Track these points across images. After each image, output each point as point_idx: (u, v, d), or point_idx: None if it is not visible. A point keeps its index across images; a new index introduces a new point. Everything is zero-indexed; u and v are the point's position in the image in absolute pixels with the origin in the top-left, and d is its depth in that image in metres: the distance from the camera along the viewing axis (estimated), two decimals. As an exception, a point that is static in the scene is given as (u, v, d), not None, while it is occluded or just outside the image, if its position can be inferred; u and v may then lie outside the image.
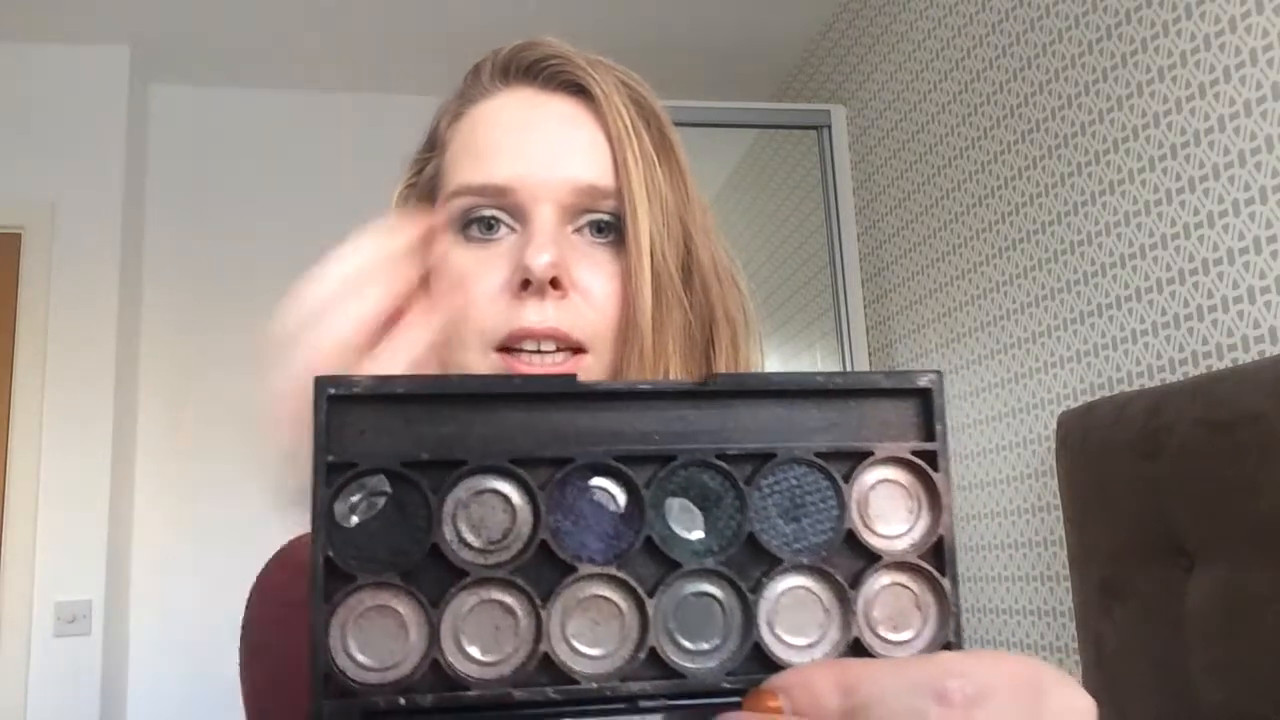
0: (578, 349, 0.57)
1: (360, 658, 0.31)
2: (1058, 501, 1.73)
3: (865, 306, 2.65)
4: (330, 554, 0.31)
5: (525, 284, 0.56)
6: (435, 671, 0.31)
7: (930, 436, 0.35)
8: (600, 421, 0.33)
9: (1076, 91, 1.80)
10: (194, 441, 2.88)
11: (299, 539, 0.64)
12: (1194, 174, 1.52)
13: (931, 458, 0.35)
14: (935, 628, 0.34)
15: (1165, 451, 1.36)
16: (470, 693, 0.31)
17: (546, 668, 0.32)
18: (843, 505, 0.34)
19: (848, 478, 0.34)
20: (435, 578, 0.32)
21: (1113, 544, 1.49)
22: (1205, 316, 1.50)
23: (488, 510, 0.32)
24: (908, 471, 0.35)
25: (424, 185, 0.66)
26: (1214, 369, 1.46)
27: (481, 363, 0.57)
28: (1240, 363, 1.43)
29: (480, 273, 0.58)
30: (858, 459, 0.35)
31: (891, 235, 2.52)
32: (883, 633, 0.34)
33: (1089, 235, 1.76)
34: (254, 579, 0.64)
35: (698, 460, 0.34)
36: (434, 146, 0.66)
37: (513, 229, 0.59)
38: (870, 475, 0.35)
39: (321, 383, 0.32)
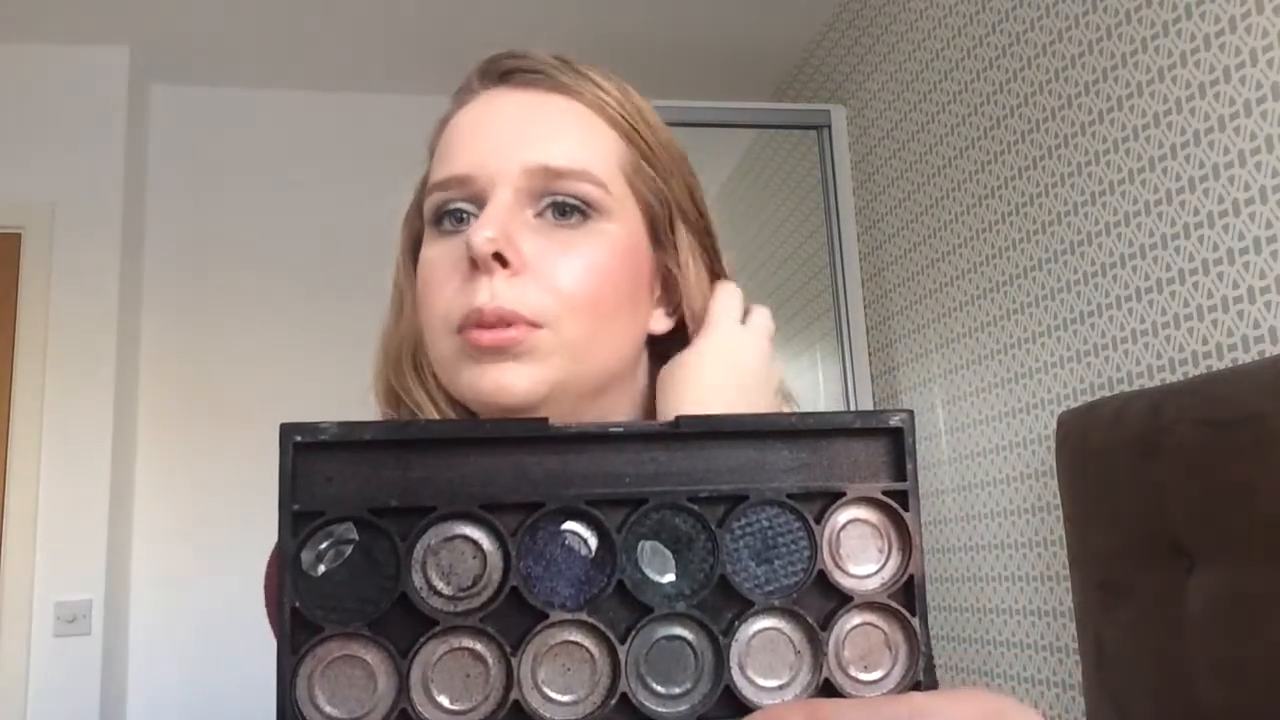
0: (528, 324, 0.57)
1: (327, 708, 0.31)
2: (1058, 501, 1.73)
3: (865, 306, 2.65)
4: (297, 604, 0.31)
5: (473, 263, 0.56)
6: None
7: (901, 476, 0.35)
8: (570, 464, 0.33)
9: (1076, 91, 1.80)
10: (194, 442, 2.88)
11: None
12: (1194, 174, 1.52)
13: (902, 497, 0.35)
14: (905, 666, 0.34)
15: (1165, 451, 1.36)
16: None
17: (517, 716, 0.32)
18: (814, 546, 0.34)
19: (819, 518, 0.35)
20: (404, 626, 0.31)
21: (1113, 544, 1.49)
22: (1205, 316, 1.50)
23: (457, 557, 0.32)
24: (878, 511, 0.35)
25: (417, 195, 0.67)
26: (1214, 369, 1.46)
27: (447, 345, 0.58)
28: (1240, 363, 1.43)
29: (443, 264, 0.59)
30: (829, 499, 0.35)
31: (891, 235, 2.52)
32: (853, 672, 0.34)
33: (1089, 235, 1.76)
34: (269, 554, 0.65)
35: (669, 503, 0.33)
36: (430, 159, 0.68)
37: (475, 216, 0.60)
38: (841, 515, 0.35)
39: (287, 430, 0.31)
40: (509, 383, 0.56)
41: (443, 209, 0.60)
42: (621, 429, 0.34)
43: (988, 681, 2.10)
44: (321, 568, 0.31)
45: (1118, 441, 1.46)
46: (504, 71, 0.63)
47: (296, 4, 2.71)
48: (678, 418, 0.34)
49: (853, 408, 2.57)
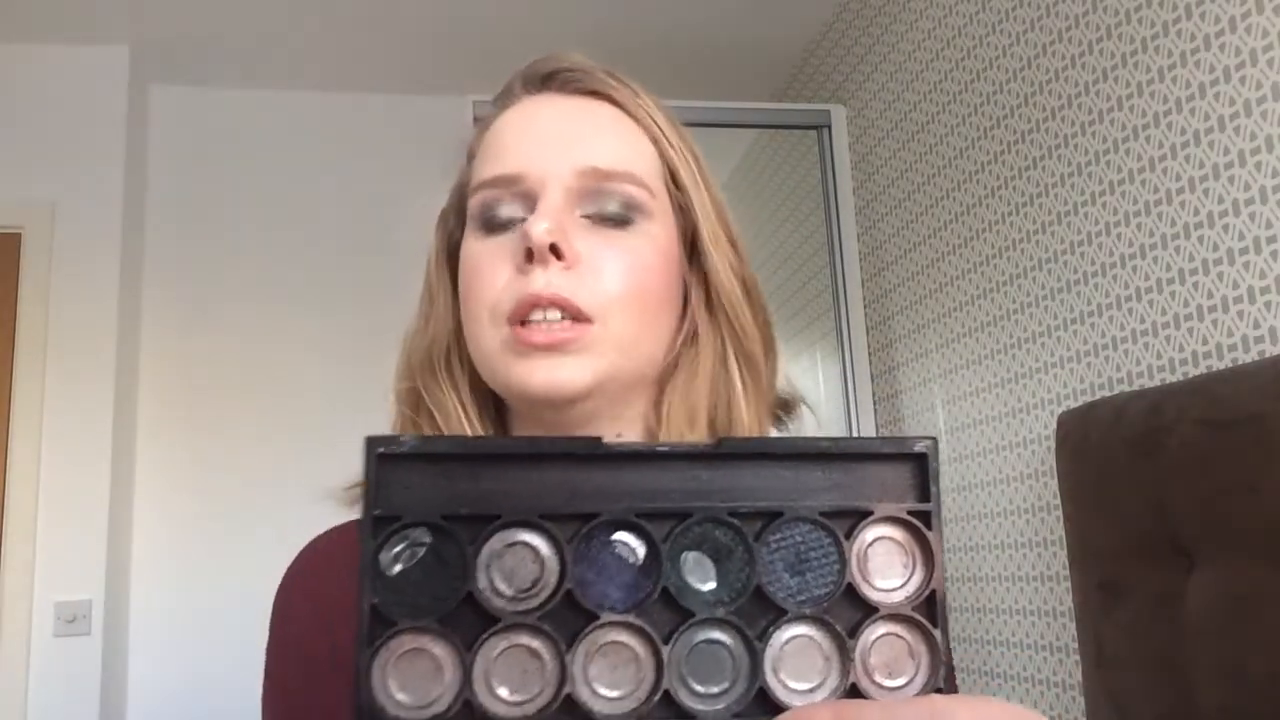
0: (583, 318, 0.58)
1: (399, 696, 0.33)
2: (1058, 501, 1.73)
3: (865, 306, 2.65)
4: (375, 601, 0.34)
5: (529, 255, 0.58)
6: (467, 710, 0.34)
7: (925, 497, 0.38)
8: (621, 481, 0.36)
9: (1076, 91, 1.80)
10: (194, 442, 2.88)
11: (327, 534, 0.66)
12: (1194, 174, 1.52)
13: (926, 517, 0.38)
14: (927, 675, 0.37)
15: (1165, 451, 1.36)
16: None
17: (569, 708, 0.34)
18: (843, 560, 0.37)
19: (849, 535, 0.38)
20: (469, 623, 0.34)
21: (1113, 544, 1.49)
22: (1205, 316, 1.50)
23: (518, 561, 0.35)
24: (904, 530, 0.38)
25: (456, 194, 0.68)
26: (1214, 369, 1.46)
27: (494, 336, 0.59)
28: (1240, 363, 1.43)
29: (493, 258, 0.61)
30: (858, 518, 0.38)
31: (891, 235, 2.52)
32: (878, 679, 0.37)
33: (1089, 235, 1.76)
34: (283, 572, 0.65)
35: (711, 517, 0.37)
36: (469, 160, 0.69)
37: (524, 218, 0.61)
38: (869, 533, 0.38)
39: (372, 443, 0.35)
40: (560, 379, 0.58)
41: (490, 207, 0.62)
42: (668, 448, 0.37)
43: (988, 681, 2.10)
44: (397, 568, 0.34)
45: (1118, 441, 1.46)
46: (546, 75, 0.65)
47: (296, 4, 2.71)
48: (720, 439, 0.37)
49: (852, 407, 2.57)
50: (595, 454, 0.36)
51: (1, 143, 2.74)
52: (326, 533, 0.66)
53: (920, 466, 0.38)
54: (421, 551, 0.35)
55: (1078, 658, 1.63)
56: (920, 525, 0.38)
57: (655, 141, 0.64)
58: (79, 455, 2.61)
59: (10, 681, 2.49)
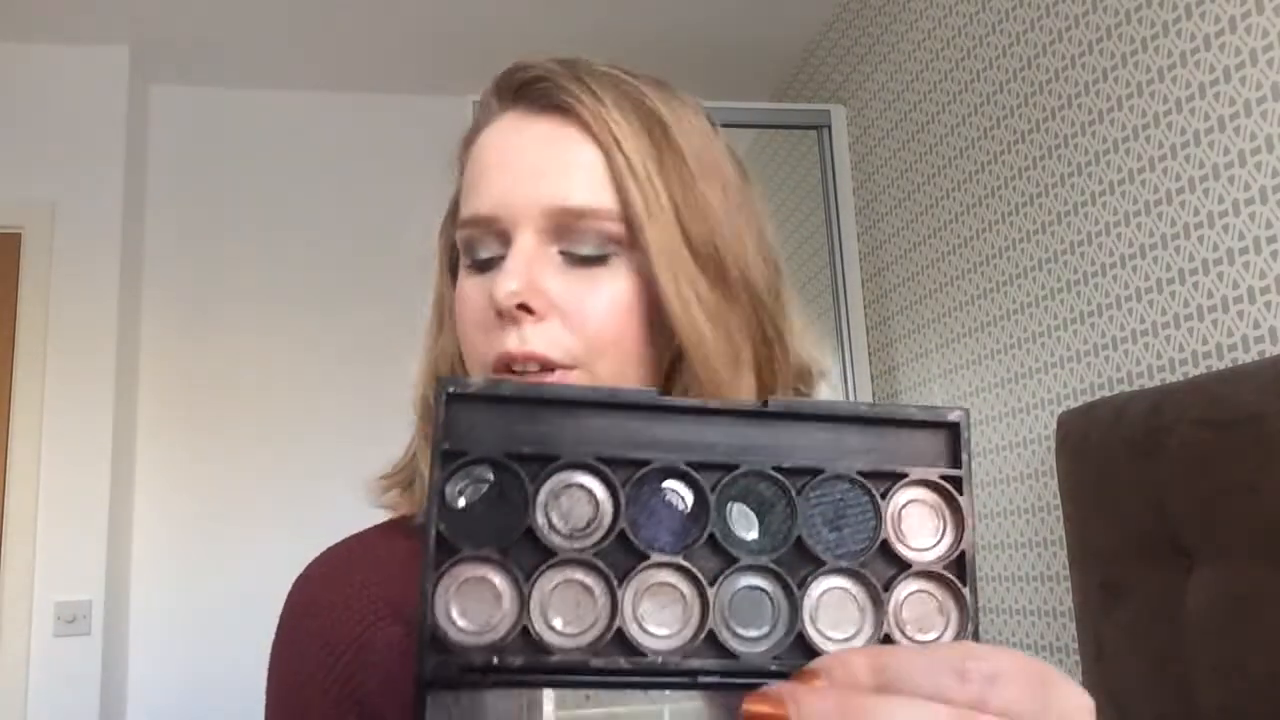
0: (563, 367, 0.58)
1: (460, 622, 0.35)
2: (1058, 501, 1.73)
3: (865, 306, 2.65)
4: (441, 529, 0.36)
5: (499, 313, 0.58)
6: (524, 638, 0.36)
7: (957, 464, 0.40)
8: (673, 432, 0.39)
9: (1076, 91, 1.80)
10: (194, 442, 2.88)
11: (338, 545, 0.66)
12: (1194, 174, 1.52)
13: (957, 482, 0.40)
14: (955, 630, 0.39)
15: (1165, 451, 1.36)
16: (554, 658, 0.36)
17: (619, 642, 0.36)
18: (879, 518, 0.39)
19: (884, 495, 0.40)
20: (527, 556, 0.36)
21: (1113, 544, 1.49)
22: (1205, 316, 1.50)
23: (575, 501, 0.37)
24: (936, 493, 0.40)
25: (451, 213, 0.68)
26: (1214, 369, 1.46)
27: None
28: (1240, 363, 1.43)
29: (476, 300, 0.61)
30: (894, 479, 0.40)
31: (891, 235, 2.53)
32: (910, 633, 0.39)
33: (1089, 235, 1.76)
34: (295, 579, 0.66)
35: (756, 471, 0.39)
36: (458, 173, 0.69)
37: (502, 256, 0.60)
38: (904, 495, 0.40)
39: (442, 382, 0.37)
40: None
41: (472, 247, 0.62)
42: (718, 404, 0.39)
43: (988, 681, 2.10)
44: (461, 501, 0.36)
45: (1118, 441, 1.46)
46: (517, 87, 0.63)
47: (296, 4, 2.71)
48: (767, 399, 0.40)
49: (853, 408, 2.57)
50: (650, 404, 0.38)
51: (1, 143, 2.74)
52: (344, 540, 0.66)
53: (953, 435, 0.40)
54: (485, 487, 0.36)
55: (1078, 658, 1.63)
56: (952, 489, 0.40)
57: (612, 170, 0.59)
58: (79, 455, 2.61)
59: (10, 681, 2.49)
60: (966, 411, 0.40)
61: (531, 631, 0.36)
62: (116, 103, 2.82)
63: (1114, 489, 1.47)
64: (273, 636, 0.63)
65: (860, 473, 0.39)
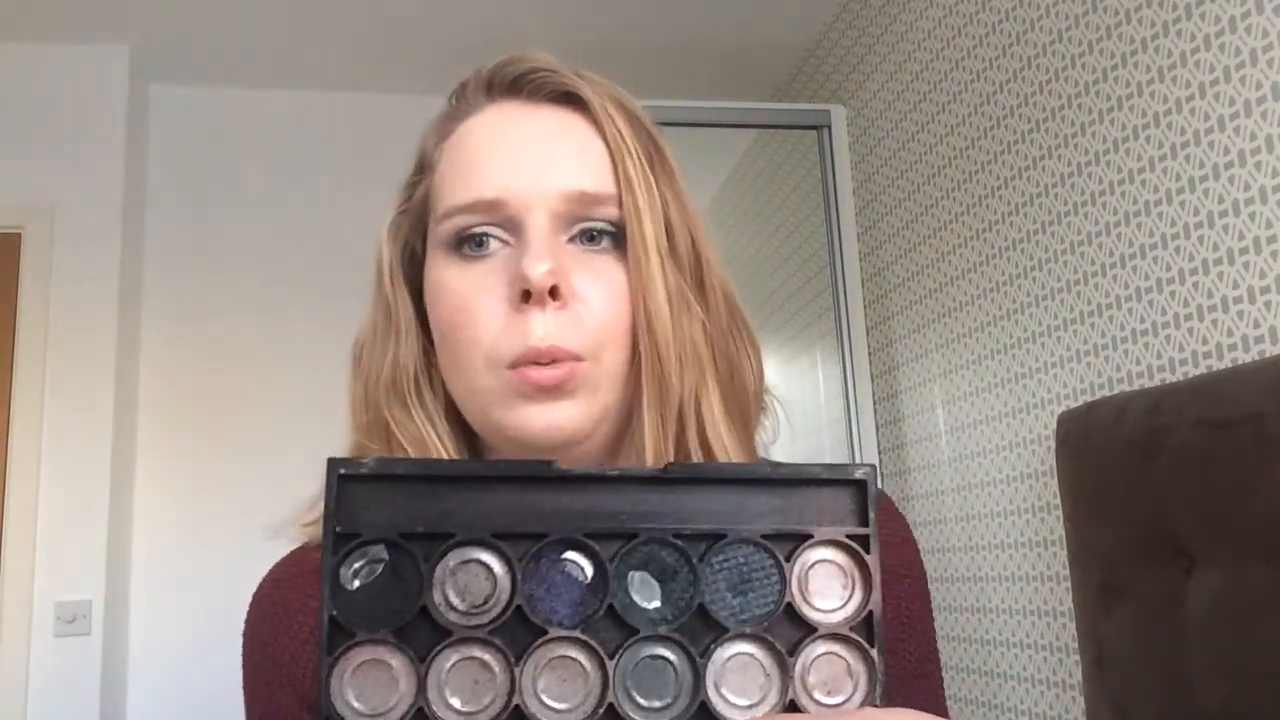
0: (575, 358, 0.56)
1: (356, 704, 0.35)
2: (1058, 501, 1.73)
3: (865, 306, 2.65)
4: (334, 613, 0.35)
5: (525, 295, 0.55)
6: (421, 719, 0.35)
7: (864, 522, 0.40)
8: (573, 502, 0.38)
9: (1076, 91, 1.80)
10: (194, 442, 2.89)
11: (290, 555, 0.65)
12: (1194, 174, 1.52)
13: (865, 541, 0.39)
14: (865, 692, 0.38)
15: (1165, 451, 1.36)
16: None
17: (518, 719, 0.36)
18: (784, 581, 0.39)
19: (789, 557, 0.39)
20: (424, 636, 0.36)
21: (1113, 544, 1.49)
22: (1205, 316, 1.50)
23: (472, 578, 0.37)
24: (843, 553, 0.40)
25: (415, 209, 0.65)
26: (1214, 369, 1.46)
27: (492, 382, 0.57)
28: (1240, 363, 1.43)
29: (477, 291, 0.58)
30: (799, 540, 0.39)
31: (891, 235, 2.52)
32: (817, 696, 0.38)
33: (1089, 235, 1.76)
34: (252, 592, 0.64)
35: (657, 538, 0.38)
36: (423, 169, 0.65)
37: (505, 242, 0.58)
38: (810, 555, 0.39)
39: (334, 464, 0.36)
40: (559, 422, 0.56)
41: (464, 233, 0.58)
42: (617, 472, 0.39)
43: (988, 681, 2.10)
44: (356, 583, 0.36)
45: (1118, 441, 1.46)
46: (511, 79, 0.62)
47: (296, 4, 2.71)
48: (667, 465, 0.39)
49: (852, 407, 2.58)
50: (547, 476, 0.38)
51: (1, 143, 2.74)
52: (293, 552, 0.64)
53: (860, 492, 0.40)
54: (380, 568, 0.36)
55: (1078, 658, 1.64)
56: (859, 549, 0.39)
57: (615, 160, 0.59)
58: (79, 455, 2.61)
59: (10, 681, 2.49)
60: (873, 467, 0.40)
61: (428, 712, 0.35)
62: (116, 103, 2.82)
63: (1114, 489, 1.46)
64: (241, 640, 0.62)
65: (764, 535, 0.39)
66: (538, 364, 0.55)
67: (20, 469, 2.59)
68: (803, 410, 2.87)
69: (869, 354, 2.62)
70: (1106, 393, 1.70)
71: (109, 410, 2.65)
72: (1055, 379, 1.86)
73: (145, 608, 2.78)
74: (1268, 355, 1.37)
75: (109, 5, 2.67)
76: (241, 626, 0.63)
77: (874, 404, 2.60)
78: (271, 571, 0.64)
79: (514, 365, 0.56)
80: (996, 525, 2.05)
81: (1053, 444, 1.66)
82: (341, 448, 0.64)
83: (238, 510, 2.81)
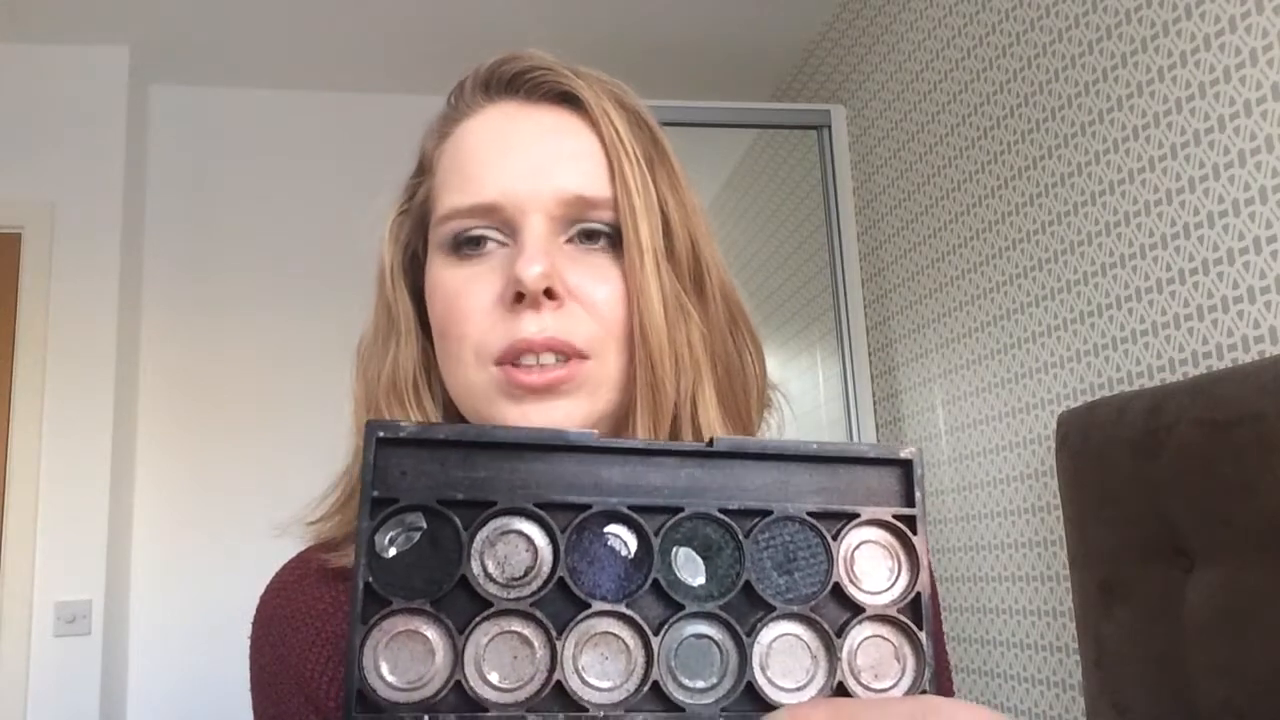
0: (577, 355, 0.56)
1: (389, 677, 0.34)
2: (1058, 501, 1.73)
3: (865, 306, 2.65)
4: (370, 580, 0.34)
5: (519, 296, 0.55)
6: (457, 693, 0.34)
7: (911, 502, 0.39)
8: (616, 474, 0.37)
9: (1076, 91, 1.80)
10: (194, 442, 2.88)
11: (294, 560, 0.64)
12: (1194, 174, 1.52)
13: (911, 521, 0.38)
14: (913, 678, 0.37)
15: (1165, 451, 1.36)
16: (489, 715, 0.34)
17: (558, 696, 0.35)
18: (831, 561, 0.38)
19: (836, 536, 0.38)
20: (462, 607, 0.35)
21: (1113, 544, 1.49)
22: (1205, 316, 1.50)
23: (512, 549, 0.36)
24: (889, 533, 0.39)
25: (416, 210, 0.65)
26: (1214, 369, 1.46)
27: (481, 377, 0.57)
28: (1240, 363, 1.43)
29: (471, 289, 0.58)
30: (845, 520, 0.38)
31: (891, 235, 2.52)
32: (865, 680, 0.37)
33: (1089, 235, 1.76)
34: (259, 596, 0.64)
35: (702, 514, 0.37)
36: (423, 170, 0.66)
37: (502, 243, 0.58)
38: (856, 535, 0.38)
39: (372, 426, 0.35)
40: (558, 422, 0.56)
41: (461, 235, 0.59)
42: (661, 445, 0.38)
43: (988, 681, 2.10)
44: (392, 550, 0.35)
45: (1118, 441, 1.46)
46: (509, 78, 0.61)
47: (296, 4, 2.71)
48: (712, 438, 0.38)
49: (852, 407, 2.57)
50: (590, 447, 0.37)
51: (1, 143, 2.74)
52: (299, 555, 0.64)
53: (906, 472, 0.39)
54: (417, 535, 0.35)
55: (1078, 658, 1.64)
56: (905, 529, 0.38)
57: (612, 162, 0.59)
58: (79, 456, 2.61)
59: (10, 681, 2.49)
60: (919, 449, 0.39)
61: (465, 687, 0.34)
62: (116, 103, 2.82)
63: (1114, 489, 1.46)
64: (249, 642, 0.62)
65: (810, 513, 0.38)
66: (528, 365, 0.55)
67: (20, 469, 2.59)
68: (803, 410, 2.88)
69: (869, 354, 2.62)
70: (1106, 393, 1.70)
71: (109, 410, 2.65)
72: (1055, 379, 1.86)
73: (145, 608, 2.78)
74: (1268, 355, 1.37)
75: (109, 5, 2.67)
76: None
77: (874, 404, 2.60)
78: (276, 576, 0.64)
79: (501, 361, 0.56)
80: (996, 525, 2.05)
81: (1053, 444, 1.66)
82: (342, 447, 0.64)
83: (238, 510, 2.81)
